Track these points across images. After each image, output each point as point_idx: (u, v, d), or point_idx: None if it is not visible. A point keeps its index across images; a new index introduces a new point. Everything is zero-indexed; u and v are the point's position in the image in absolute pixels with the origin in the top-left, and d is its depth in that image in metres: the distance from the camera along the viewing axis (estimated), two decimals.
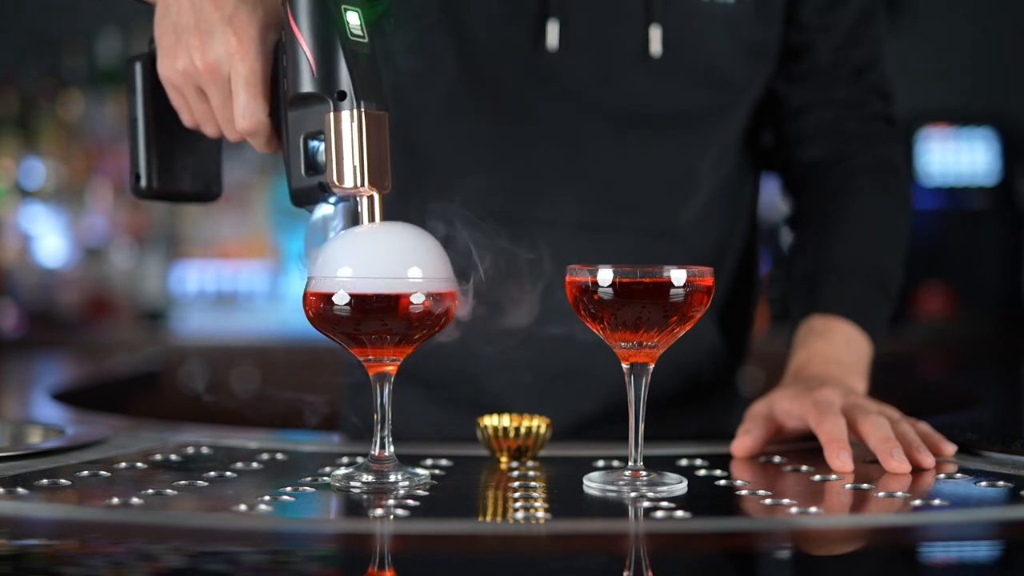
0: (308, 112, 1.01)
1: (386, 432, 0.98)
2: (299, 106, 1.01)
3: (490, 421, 1.09)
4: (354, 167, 0.99)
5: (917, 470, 1.03)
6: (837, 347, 1.27)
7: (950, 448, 1.08)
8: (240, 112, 1.03)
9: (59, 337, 3.18)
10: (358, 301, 0.93)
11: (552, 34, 1.28)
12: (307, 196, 1.04)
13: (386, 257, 0.95)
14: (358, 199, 1.00)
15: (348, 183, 0.99)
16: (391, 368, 0.98)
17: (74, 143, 3.58)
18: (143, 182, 1.12)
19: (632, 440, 0.97)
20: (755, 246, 1.47)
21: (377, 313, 0.94)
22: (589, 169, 1.32)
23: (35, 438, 1.24)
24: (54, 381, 2.20)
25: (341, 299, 0.93)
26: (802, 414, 1.12)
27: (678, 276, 0.93)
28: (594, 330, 0.97)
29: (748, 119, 1.39)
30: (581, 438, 1.30)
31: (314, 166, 1.03)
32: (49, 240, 3.52)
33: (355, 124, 0.99)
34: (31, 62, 3.67)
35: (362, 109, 0.99)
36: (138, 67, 1.11)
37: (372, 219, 0.99)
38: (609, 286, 0.93)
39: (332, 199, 1.03)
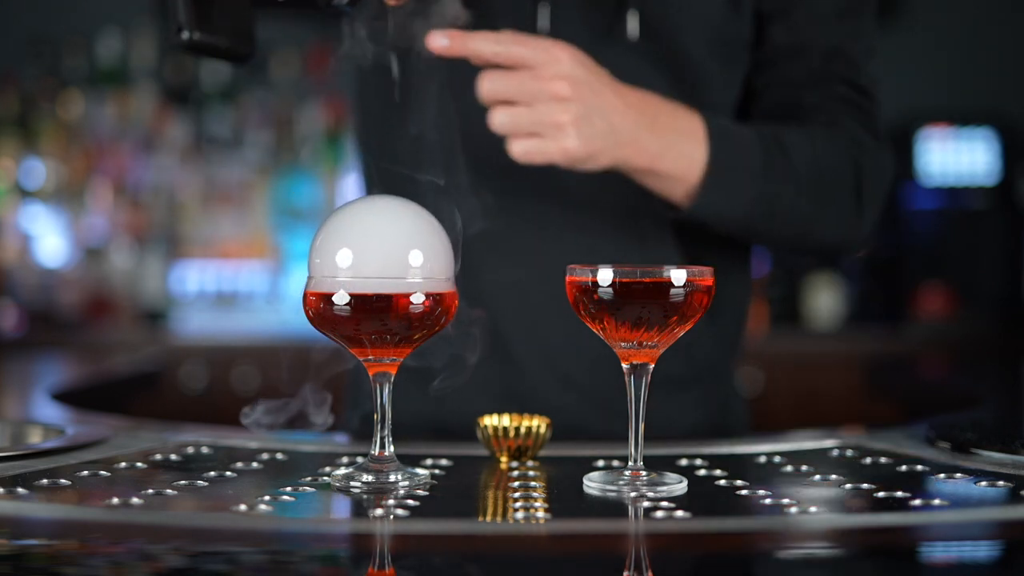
0: None
1: (386, 432, 0.98)
2: None
3: (490, 421, 1.09)
4: None
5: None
6: (668, 108, 1.21)
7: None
8: None
9: (59, 337, 3.18)
10: (358, 301, 0.93)
11: (543, 17, 1.29)
12: None
13: (386, 253, 0.95)
14: None
15: None
16: (391, 368, 0.98)
17: (74, 143, 3.58)
18: (184, 33, 1.11)
19: (632, 440, 0.97)
20: (749, 249, 1.47)
21: (377, 313, 0.94)
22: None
23: (35, 438, 1.24)
24: (54, 381, 2.20)
25: (341, 299, 0.93)
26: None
27: (678, 276, 0.93)
28: (594, 330, 0.97)
29: (726, 113, 1.37)
30: (582, 435, 1.31)
31: None
32: (49, 240, 3.52)
33: None
34: (31, 62, 3.67)
35: None
36: None
37: None
38: (609, 286, 0.93)
39: None
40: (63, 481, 0.95)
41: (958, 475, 1.01)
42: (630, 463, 0.97)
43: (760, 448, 1.16)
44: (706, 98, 1.33)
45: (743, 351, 1.50)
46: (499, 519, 0.89)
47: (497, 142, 1.20)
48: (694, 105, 1.27)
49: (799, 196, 1.27)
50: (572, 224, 1.34)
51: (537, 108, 1.14)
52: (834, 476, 1.01)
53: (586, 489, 0.96)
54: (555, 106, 1.14)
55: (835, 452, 1.13)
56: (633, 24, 1.29)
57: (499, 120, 1.14)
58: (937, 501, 0.92)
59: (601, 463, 1.08)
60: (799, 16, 1.35)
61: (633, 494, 0.93)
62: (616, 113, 1.16)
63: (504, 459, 1.09)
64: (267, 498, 0.90)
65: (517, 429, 1.08)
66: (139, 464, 1.04)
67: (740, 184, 1.23)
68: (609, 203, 1.33)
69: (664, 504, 0.89)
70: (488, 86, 1.14)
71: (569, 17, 1.30)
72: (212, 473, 1.00)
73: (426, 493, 0.94)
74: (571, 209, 1.34)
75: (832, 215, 1.30)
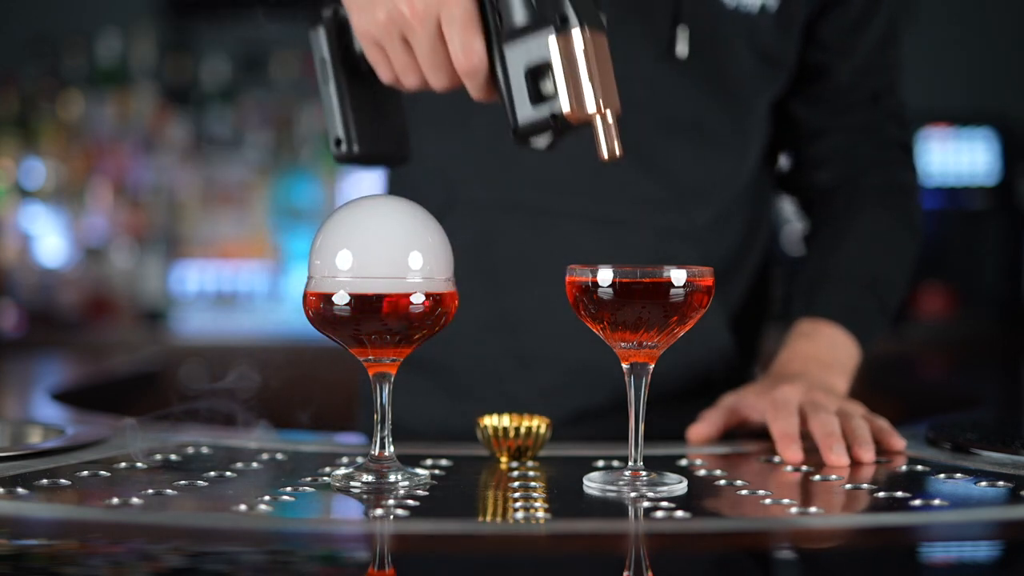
0: (525, 44, 0.98)
1: (386, 432, 0.98)
2: (515, 39, 0.99)
3: (490, 421, 1.09)
4: (592, 90, 0.97)
5: (887, 461, 1.07)
6: (819, 347, 1.31)
7: (899, 443, 1.13)
8: (461, 52, 1.00)
9: (59, 337, 3.18)
10: (358, 301, 0.93)
11: None
12: (535, 129, 1.01)
13: (386, 253, 0.95)
14: (592, 123, 0.97)
15: (589, 107, 0.97)
16: (391, 368, 0.98)
17: (74, 143, 3.58)
18: (344, 147, 1.09)
19: (632, 440, 0.97)
20: (771, 257, 1.50)
21: (377, 313, 0.94)
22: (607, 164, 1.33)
23: (35, 438, 1.24)
24: (54, 381, 2.20)
25: (341, 299, 0.93)
26: (762, 409, 1.17)
27: (678, 276, 0.93)
28: (594, 330, 0.97)
29: (763, 130, 1.41)
30: (589, 430, 1.31)
31: (540, 97, 0.99)
32: (49, 240, 3.52)
33: (585, 47, 0.97)
34: (31, 62, 3.67)
35: (586, 31, 0.97)
36: (322, 32, 1.08)
37: (611, 145, 0.97)
38: (609, 286, 0.93)
39: (559, 127, 1.00)
40: (63, 481, 0.95)
41: (958, 475, 1.01)
42: (630, 463, 0.97)
43: (760, 448, 1.16)
44: (749, 110, 1.38)
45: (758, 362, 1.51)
46: (499, 519, 0.89)
47: (536, 167, 1.27)
48: (738, 117, 1.35)
49: (905, 288, 1.43)
50: (606, 244, 1.34)
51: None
52: (834, 476, 1.02)
53: (586, 489, 0.96)
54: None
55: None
56: (683, 40, 1.30)
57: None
58: (937, 501, 0.92)
59: (601, 463, 1.08)
60: (859, 55, 1.40)
61: (633, 494, 0.93)
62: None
63: (504, 459, 1.09)
64: (267, 498, 0.90)
65: (517, 429, 1.08)
66: (139, 464, 1.04)
67: (875, 334, 1.37)
68: (642, 225, 1.34)
69: (664, 504, 0.89)
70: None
71: (623, 32, 1.30)
72: (212, 473, 1.00)
73: (426, 493, 0.94)
74: (604, 230, 1.34)
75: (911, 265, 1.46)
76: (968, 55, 3.86)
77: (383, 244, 0.95)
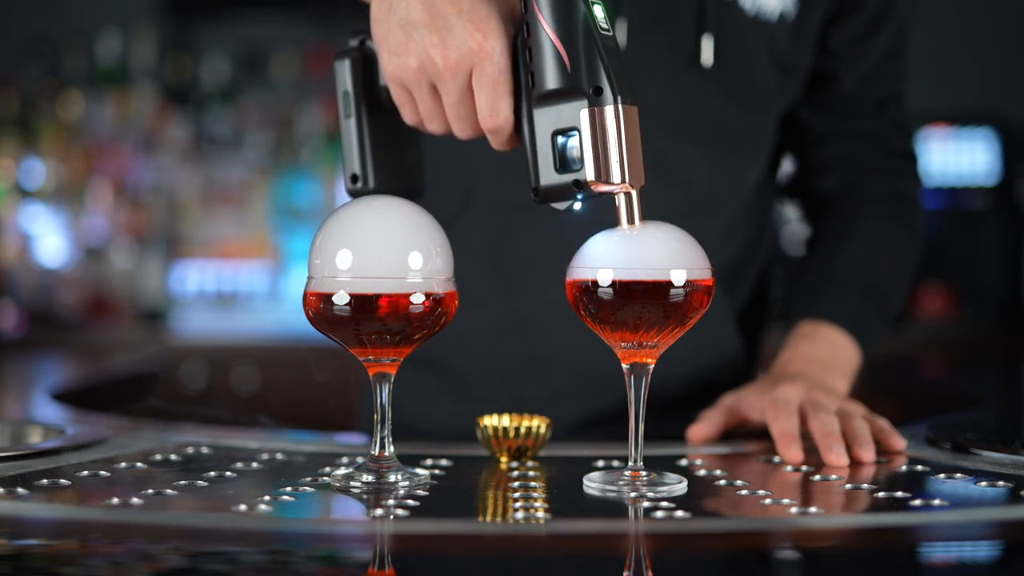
0: (557, 108, 0.97)
1: (386, 432, 0.98)
2: (546, 102, 0.97)
3: (490, 421, 1.09)
4: (619, 163, 0.95)
5: (887, 461, 1.07)
6: (821, 348, 1.31)
7: (900, 443, 1.13)
8: (487, 110, 0.98)
9: (59, 337, 3.18)
10: (358, 301, 0.93)
11: (620, 34, 1.29)
12: (557, 194, 0.99)
13: (386, 253, 0.95)
14: (615, 196, 0.96)
15: (615, 180, 0.95)
16: (391, 368, 0.98)
17: (74, 143, 3.58)
18: (360, 184, 1.07)
19: (632, 440, 0.97)
20: (772, 259, 1.51)
21: (377, 313, 0.94)
22: None
23: (35, 438, 1.24)
24: (54, 381, 2.20)
25: (341, 299, 0.93)
26: (762, 408, 1.17)
27: (678, 276, 0.93)
28: (594, 330, 0.97)
29: (774, 136, 1.42)
30: (599, 435, 1.31)
31: (566, 163, 0.98)
32: (49, 240, 3.52)
33: (617, 121, 0.95)
34: (31, 62, 3.67)
35: (620, 104, 0.95)
36: (348, 65, 1.07)
37: (631, 217, 0.96)
38: (609, 286, 0.93)
39: (580, 196, 0.99)
40: (63, 481, 0.95)
41: (958, 475, 1.01)
42: (630, 463, 0.97)
43: (760, 448, 1.16)
44: (766, 118, 1.39)
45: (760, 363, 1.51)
46: (499, 519, 0.89)
47: None
48: (755, 126, 1.36)
49: (905, 295, 1.45)
50: None
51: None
52: (834, 476, 1.02)
53: (586, 489, 0.96)
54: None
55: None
56: (708, 49, 1.30)
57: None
58: (937, 501, 0.92)
59: (601, 463, 1.08)
60: (867, 64, 1.41)
61: (633, 494, 0.93)
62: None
63: (504, 459, 1.09)
64: (267, 498, 0.90)
65: (517, 429, 1.08)
66: (139, 464, 1.04)
67: (876, 340, 1.39)
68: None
69: (664, 504, 0.89)
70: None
71: (648, 41, 1.30)
72: (212, 473, 1.00)
73: (426, 493, 0.94)
74: None
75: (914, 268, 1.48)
76: (968, 55, 3.86)
77: (383, 244, 0.95)
